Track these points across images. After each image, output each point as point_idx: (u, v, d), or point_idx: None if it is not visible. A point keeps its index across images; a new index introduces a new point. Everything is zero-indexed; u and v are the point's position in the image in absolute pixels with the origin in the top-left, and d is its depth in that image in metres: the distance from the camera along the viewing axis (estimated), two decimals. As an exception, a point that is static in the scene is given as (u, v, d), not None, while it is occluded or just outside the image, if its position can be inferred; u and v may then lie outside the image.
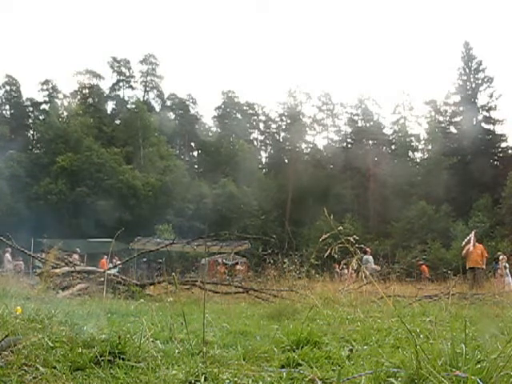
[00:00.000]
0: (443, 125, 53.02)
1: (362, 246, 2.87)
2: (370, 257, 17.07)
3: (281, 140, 61.48)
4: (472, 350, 2.29)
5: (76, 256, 17.73)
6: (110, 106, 58.90)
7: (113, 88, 58.07)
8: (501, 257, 17.36)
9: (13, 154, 45.95)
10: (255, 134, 63.51)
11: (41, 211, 37.44)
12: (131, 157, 48.61)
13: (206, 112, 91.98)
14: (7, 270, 14.20)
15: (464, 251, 14.37)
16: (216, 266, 22.82)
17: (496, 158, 48.73)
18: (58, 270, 8.44)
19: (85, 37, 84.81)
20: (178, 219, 41.99)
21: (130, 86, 58.54)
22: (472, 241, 14.30)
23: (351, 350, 2.93)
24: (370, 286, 8.29)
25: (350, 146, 57.34)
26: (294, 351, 2.90)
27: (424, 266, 21.46)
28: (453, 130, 51.26)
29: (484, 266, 14.33)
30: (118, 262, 15.12)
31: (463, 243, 14.56)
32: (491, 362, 1.92)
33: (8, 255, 16.77)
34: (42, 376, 2.15)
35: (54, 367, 2.28)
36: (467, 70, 48.80)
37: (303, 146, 61.16)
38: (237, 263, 23.29)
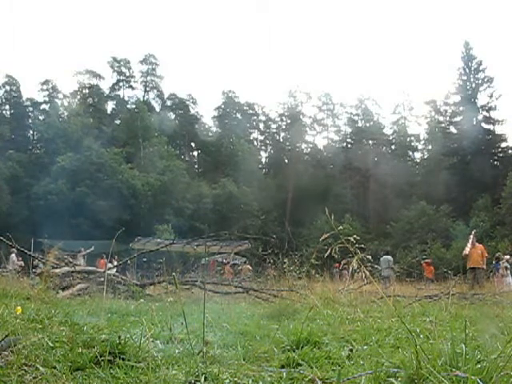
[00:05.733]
0: (443, 125, 53.03)
1: (363, 245, 2.87)
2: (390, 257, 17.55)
3: (281, 140, 61.51)
4: (472, 350, 2.29)
5: (81, 256, 17.85)
6: (110, 105, 59.04)
7: (113, 88, 58.11)
8: (507, 256, 17.40)
9: (13, 154, 45.95)
10: (255, 134, 63.58)
11: (41, 211, 37.39)
12: (131, 157, 48.58)
13: (206, 112, 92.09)
14: (12, 270, 14.16)
15: (464, 252, 14.35)
16: (217, 266, 22.82)
17: (496, 158, 48.68)
18: (57, 270, 8.43)
19: (85, 37, 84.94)
20: (178, 219, 41.98)
21: (130, 86, 58.62)
22: (471, 241, 14.31)
23: (351, 350, 2.93)
24: (370, 286, 8.30)
25: (350, 146, 57.37)
26: (294, 351, 2.89)
27: (432, 267, 20.77)
28: (453, 130, 51.23)
29: (484, 266, 14.33)
30: (116, 263, 15.11)
31: (468, 245, 14.41)
32: (491, 362, 1.91)
33: (14, 256, 16.76)
34: (42, 376, 2.15)
35: (54, 367, 2.28)
36: (467, 70, 48.76)
37: (303, 146, 61.26)
38: (245, 262, 23.36)
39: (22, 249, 9.79)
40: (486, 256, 14.44)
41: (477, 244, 14.51)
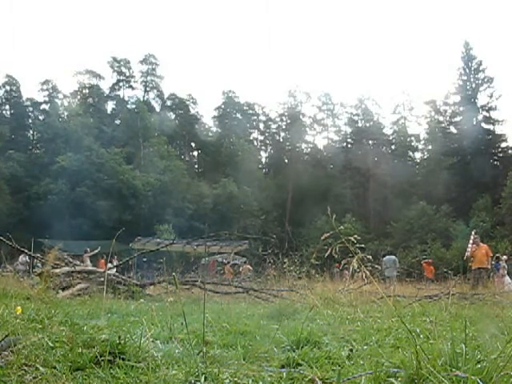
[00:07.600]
0: (443, 125, 53.03)
1: (363, 245, 2.86)
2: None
3: (281, 140, 61.49)
4: (472, 350, 2.29)
5: (87, 257, 17.92)
6: (109, 105, 58.97)
7: (113, 88, 58.07)
8: (505, 257, 17.46)
9: (13, 154, 45.95)
10: (255, 134, 63.55)
11: (41, 211, 37.40)
12: (131, 157, 48.57)
13: (206, 112, 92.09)
14: (19, 270, 14.12)
15: (466, 254, 14.30)
16: (217, 266, 22.84)
17: (496, 158, 48.68)
18: (57, 270, 8.42)
19: (85, 37, 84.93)
20: (178, 219, 41.98)
21: (130, 86, 58.57)
22: (472, 242, 14.30)
23: (351, 350, 2.93)
24: (370, 286, 8.30)
25: (350, 146, 57.36)
26: (294, 351, 2.89)
27: (432, 267, 20.74)
28: (453, 130, 51.23)
29: (489, 266, 14.31)
30: (116, 263, 15.11)
31: (470, 247, 14.37)
32: (491, 362, 1.91)
33: (22, 256, 16.69)
34: (41, 376, 2.14)
35: (54, 367, 2.28)
36: (467, 70, 48.77)
37: (303, 145, 61.25)
38: (245, 262, 23.39)
39: (22, 249, 9.79)
40: (490, 255, 14.45)
41: (481, 244, 14.50)
